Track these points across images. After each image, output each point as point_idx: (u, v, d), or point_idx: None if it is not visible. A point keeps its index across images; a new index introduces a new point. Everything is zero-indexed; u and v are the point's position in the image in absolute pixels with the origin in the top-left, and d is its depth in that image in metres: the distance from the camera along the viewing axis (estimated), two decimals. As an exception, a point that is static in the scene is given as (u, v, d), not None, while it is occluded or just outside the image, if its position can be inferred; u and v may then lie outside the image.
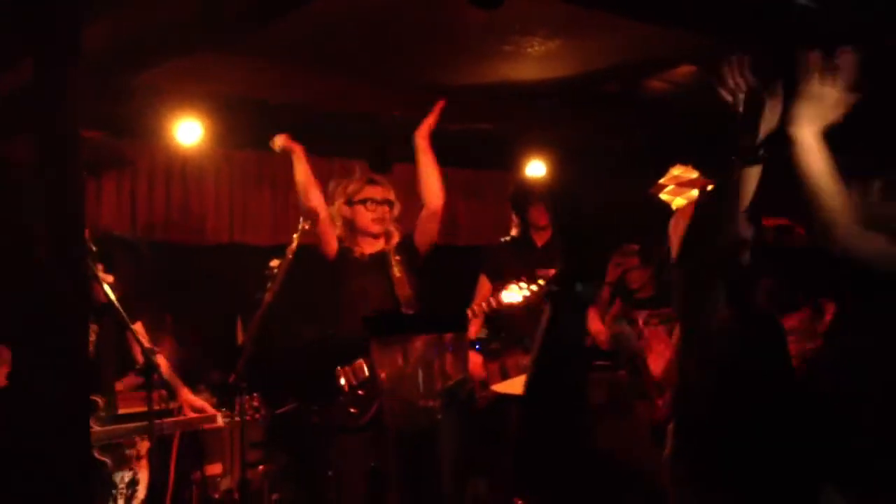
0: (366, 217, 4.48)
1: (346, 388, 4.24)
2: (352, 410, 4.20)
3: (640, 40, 4.44)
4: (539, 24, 4.28)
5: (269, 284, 3.77)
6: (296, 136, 5.38)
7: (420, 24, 4.25)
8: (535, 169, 6.38)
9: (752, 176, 2.37)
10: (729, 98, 2.32)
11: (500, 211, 6.88)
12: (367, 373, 4.18)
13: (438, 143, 6.13)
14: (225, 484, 4.88)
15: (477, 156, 6.59)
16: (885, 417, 2.30)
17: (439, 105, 4.56)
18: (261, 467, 4.93)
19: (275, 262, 3.82)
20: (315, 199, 4.45)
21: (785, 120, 2.22)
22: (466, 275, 6.37)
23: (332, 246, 4.47)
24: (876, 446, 2.31)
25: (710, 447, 2.79)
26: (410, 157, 6.30)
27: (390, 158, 5.90)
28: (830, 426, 2.45)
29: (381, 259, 4.46)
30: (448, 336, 3.99)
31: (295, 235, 3.96)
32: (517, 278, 4.76)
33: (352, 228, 4.50)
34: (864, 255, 2.19)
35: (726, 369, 2.78)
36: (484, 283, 5.18)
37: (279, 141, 4.58)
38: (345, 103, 5.57)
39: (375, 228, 4.49)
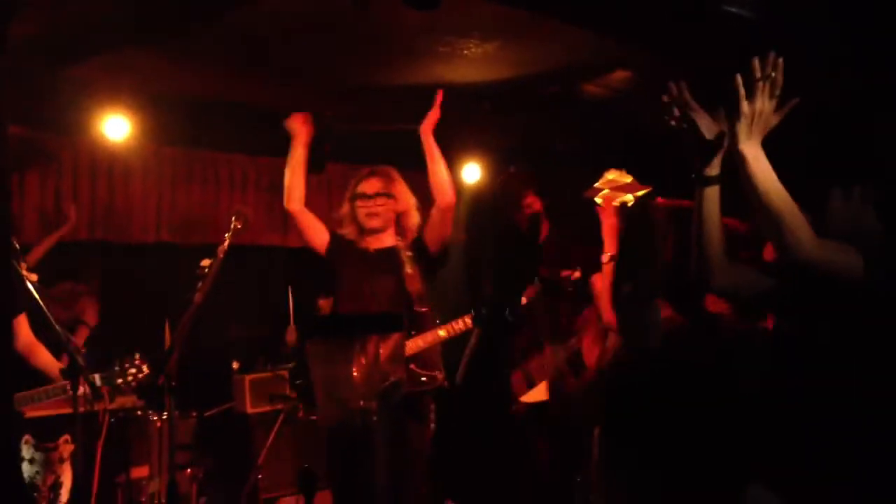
0: (361, 212, 4.31)
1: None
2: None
3: (576, 45, 4.47)
4: (475, 27, 4.29)
5: (199, 284, 3.67)
6: (228, 135, 5.30)
7: (355, 24, 4.22)
8: (471, 172, 6.38)
9: (713, 196, 2.42)
10: (672, 123, 2.41)
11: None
12: None
13: (374, 144, 6.12)
14: (151, 487, 4.77)
15: (412, 157, 6.57)
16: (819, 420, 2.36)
17: (439, 98, 4.39)
18: (188, 470, 4.84)
19: (206, 262, 3.73)
20: (295, 200, 4.37)
21: (729, 139, 2.32)
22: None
23: (319, 240, 4.36)
24: (806, 445, 2.37)
25: (643, 451, 2.83)
26: (344, 157, 6.30)
27: (323, 158, 5.85)
28: (763, 425, 2.51)
29: (389, 255, 4.26)
30: (385, 338, 3.97)
31: (227, 235, 3.87)
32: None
33: (358, 225, 4.34)
34: (826, 265, 2.28)
35: (668, 374, 2.82)
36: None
37: (292, 120, 4.47)
38: (277, 102, 5.50)
39: (370, 223, 4.29)
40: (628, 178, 3.75)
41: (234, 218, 3.90)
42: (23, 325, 4.09)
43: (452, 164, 6.40)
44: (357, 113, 5.72)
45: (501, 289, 4.16)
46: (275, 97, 5.41)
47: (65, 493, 4.19)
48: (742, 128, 2.27)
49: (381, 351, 3.83)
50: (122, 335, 5.25)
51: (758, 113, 2.26)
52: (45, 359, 4.14)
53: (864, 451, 2.30)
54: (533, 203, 4.96)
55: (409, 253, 4.25)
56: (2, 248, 3.00)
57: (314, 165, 5.76)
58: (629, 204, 3.68)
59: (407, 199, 4.40)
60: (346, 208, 4.40)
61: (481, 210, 6.53)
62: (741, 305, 2.95)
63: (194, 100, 5.29)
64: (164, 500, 4.61)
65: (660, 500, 2.84)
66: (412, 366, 4.11)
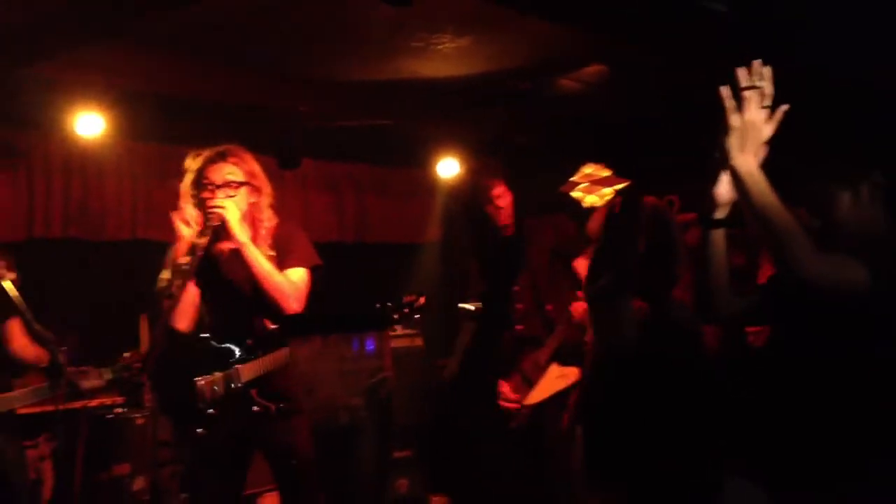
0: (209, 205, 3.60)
1: (199, 404, 3.56)
2: (199, 432, 3.55)
3: (550, 39, 4.50)
4: (449, 21, 4.30)
5: (177, 282, 3.63)
6: (203, 131, 5.27)
7: (328, 19, 4.22)
8: (447, 167, 6.40)
9: (718, 238, 2.41)
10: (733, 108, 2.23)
11: (410, 209, 6.92)
12: (222, 390, 3.58)
13: (349, 139, 6.13)
14: (134, 485, 4.75)
15: (387, 153, 6.59)
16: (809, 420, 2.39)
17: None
18: (170, 467, 4.81)
19: (184, 260, 3.69)
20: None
21: (722, 155, 2.24)
22: (377, 272, 6.37)
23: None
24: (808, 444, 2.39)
25: (620, 449, 2.86)
26: (319, 153, 6.30)
27: (297, 154, 5.85)
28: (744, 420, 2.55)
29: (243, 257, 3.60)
30: (368, 334, 3.90)
31: (203, 232, 3.82)
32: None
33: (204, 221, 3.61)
34: (828, 281, 2.22)
35: (640, 369, 2.86)
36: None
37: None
38: (251, 98, 5.49)
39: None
40: (606, 172, 3.79)
41: (208, 214, 3.79)
42: (15, 329, 4.10)
43: (428, 158, 6.45)
44: (332, 108, 5.72)
45: (492, 284, 4.06)
46: (248, 92, 5.40)
47: (46, 491, 4.18)
48: (733, 142, 2.20)
49: (366, 347, 3.76)
50: (98, 334, 5.24)
51: (749, 125, 2.19)
52: (41, 358, 4.16)
53: (847, 453, 2.32)
54: (503, 194, 4.96)
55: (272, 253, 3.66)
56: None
57: (289, 163, 5.78)
58: (600, 203, 3.71)
59: (257, 188, 3.71)
60: (187, 197, 3.70)
61: (458, 205, 6.56)
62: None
63: (168, 96, 5.27)
64: (146, 498, 4.60)
65: (640, 497, 2.87)
66: (253, 392, 3.59)
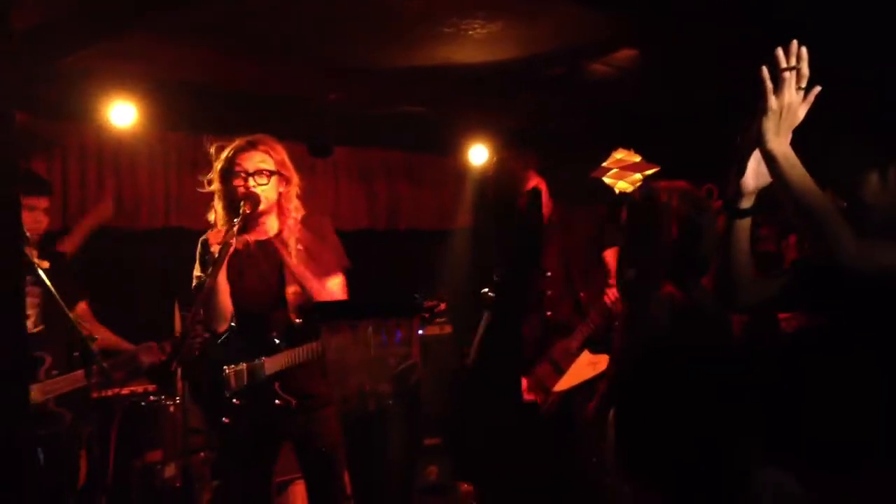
0: (239, 193, 3.59)
1: (224, 393, 3.62)
2: (224, 421, 3.61)
3: (582, 23, 4.46)
4: (479, 6, 4.26)
5: (210, 269, 3.65)
6: (233, 120, 5.30)
7: (359, 6, 4.21)
8: (478, 154, 6.37)
9: (744, 227, 2.34)
10: (769, 87, 2.16)
11: (441, 196, 6.91)
12: (246, 380, 3.62)
13: (380, 127, 6.12)
14: (167, 471, 4.80)
15: (418, 140, 6.59)
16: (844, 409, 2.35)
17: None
18: (202, 454, 4.86)
19: (216, 247, 3.71)
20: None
21: (756, 139, 2.18)
22: (408, 259, 6.37)
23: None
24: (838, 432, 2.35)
25: (649, 438, 2.84)
26: (350, 141, 6.30)
27: (329, 142, 5.86)
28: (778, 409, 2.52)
29: (270, 248, 3.65)
30: (397, 321, 3.90)
31: (236, 220, 3.83)
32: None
33: (232, 211, 3.59)
34: (873, 267, 2.15)
35: (670, 355, 2.83)
36: None
37: None
38: (282, 86, 5.50)
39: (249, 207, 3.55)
40: (637, 158, 3.76)
41: (241, 202, 3.79)
42: (84, 312, 4.18)
43: (460, 147, 6.44)
44: (363, 95, 5.71)
45: (509, 272, 4.04)
46: (279, 81, 5.40)
47: (80, 477, 4.23)
48: (769, 125, 2.13)
49: (394, 334, 3.76)
50: (132, 321, 5.29)
51: (786, 107, 2.13)
52: (109, 339, 4.23)
53: (882, 436, 2.28)
54: (538, 184, 4.93)
55: (294, 243, 3.65)
56: (11, 236, 3.02)
57: (320, 151, 5.78)
58: (631, 190, 3.69)
59: (286, 177, 3.69)
60: (216, 185, 3.65)
61: (488, 193, 6.55)
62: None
63: (200, 85, 5.29)
64: (178, 485, 4.64)
65: (671, 486, 2.85)
66: (276, 385, 3.62)
